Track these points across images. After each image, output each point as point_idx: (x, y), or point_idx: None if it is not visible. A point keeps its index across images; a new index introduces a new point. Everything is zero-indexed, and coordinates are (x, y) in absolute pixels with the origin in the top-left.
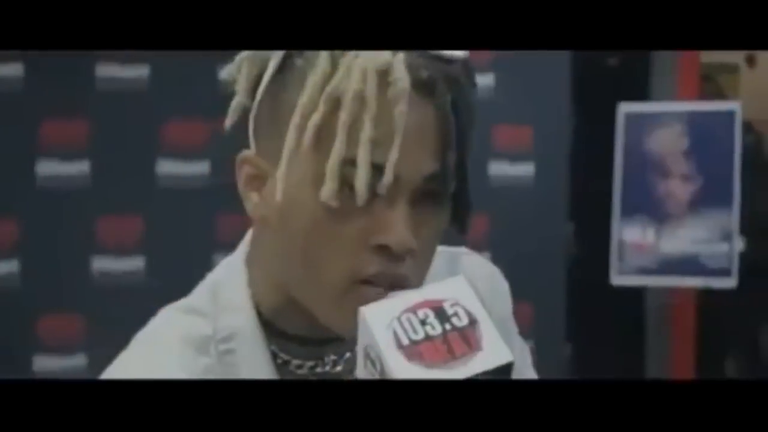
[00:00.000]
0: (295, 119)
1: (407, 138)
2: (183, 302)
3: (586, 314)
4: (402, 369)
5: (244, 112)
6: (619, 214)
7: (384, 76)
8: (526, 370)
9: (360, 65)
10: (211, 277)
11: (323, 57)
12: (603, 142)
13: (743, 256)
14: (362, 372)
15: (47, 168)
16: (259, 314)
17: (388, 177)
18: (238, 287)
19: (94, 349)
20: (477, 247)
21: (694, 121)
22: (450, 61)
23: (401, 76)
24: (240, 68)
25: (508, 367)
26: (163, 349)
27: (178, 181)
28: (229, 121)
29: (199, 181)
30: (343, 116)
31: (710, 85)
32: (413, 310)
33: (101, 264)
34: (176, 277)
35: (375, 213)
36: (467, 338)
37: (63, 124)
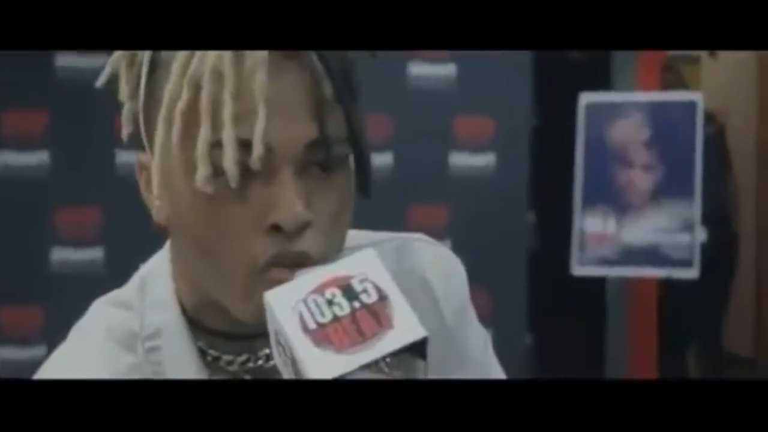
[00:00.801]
0: (162, 111)
1: (275, 107)
2: (113, 294)
3: (547, 304)
4: (310, 355)
5: (136, 118)
6: (580, 205)
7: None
8: (488, 359)
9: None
10: (142, 270)
11: None
12: (564, 133)
13: (704, 247)
14: (277, 358)
15: (6, 158)
16: (184, 310)
17: (257, 150)
18: (163, 282)
19: (53, 339)
20: (438, 238)
21: (655, 112)
22: None
23: None
24: (117, 75)
25: (422, 344)
26: (91, 346)
27: None
28: (124, 132)
29: None
30: (204, 98)
31: (672, 76)
32: (320, 290)
33: (60, 255)
34: (135, 268)
35: (260, 193)
36: (377, 316)
37: (22, 114)
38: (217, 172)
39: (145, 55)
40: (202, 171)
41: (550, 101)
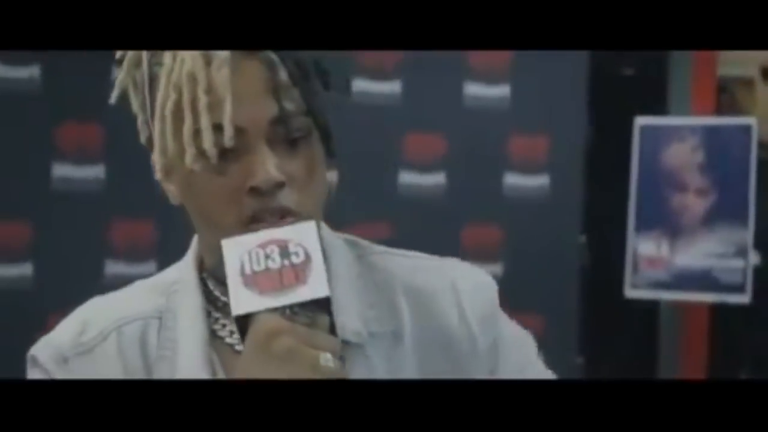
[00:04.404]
0: (157, 112)
1: (240, 95)
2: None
3: (599, 327)
4: (237, 292)
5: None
6: (633, 227)
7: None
8: (529, 364)
9: (189, 52)
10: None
11: (167, 55)
12: (618, 155)
13: (757, 272)
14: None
15: (62, 171)
16: (203, 267)
17: (228, 132)
18: (191, 248)
19: None
20: (491, 258)
21: (709, 135)
22: None
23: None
24: (126, 90)
25: (325, 302)
26: (135, 289)
27: None
28: (142, 137)
29: None
30: (185, 96)
31: (727, 97)
32: (264, 246)
33: (114, 268)
34: None
35: (238, 165)
36: (298, 273)
37: (79, 128)
38: (201, 153)
39: (144, 73)
40: (189, 152)
41: (605, 122)
